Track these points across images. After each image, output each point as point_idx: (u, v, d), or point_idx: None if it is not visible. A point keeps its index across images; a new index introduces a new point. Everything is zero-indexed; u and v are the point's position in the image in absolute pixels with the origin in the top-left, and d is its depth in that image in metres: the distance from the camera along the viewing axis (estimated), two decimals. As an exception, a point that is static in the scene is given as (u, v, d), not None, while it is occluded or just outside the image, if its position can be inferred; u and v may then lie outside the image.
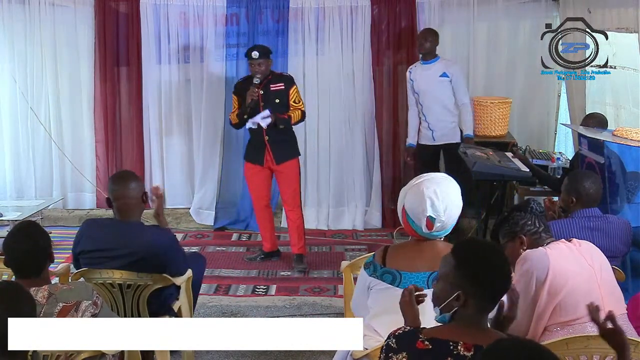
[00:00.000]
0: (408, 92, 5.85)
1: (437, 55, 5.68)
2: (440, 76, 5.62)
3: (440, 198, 2.56)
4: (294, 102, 5.23)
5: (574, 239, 2.87)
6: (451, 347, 2.01)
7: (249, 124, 5.18)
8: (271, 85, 5.20)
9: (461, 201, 2.65)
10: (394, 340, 2.07)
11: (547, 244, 2.82)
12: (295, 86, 5.27)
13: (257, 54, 5.12)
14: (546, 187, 5.12)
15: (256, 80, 5.10)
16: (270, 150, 5.20)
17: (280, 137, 5.19)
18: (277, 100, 5.18)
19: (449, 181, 2.66)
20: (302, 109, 5.27)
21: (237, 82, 5.48)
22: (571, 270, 2.71)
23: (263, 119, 5.08)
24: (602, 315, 2.67)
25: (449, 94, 5.66)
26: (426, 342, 2.02)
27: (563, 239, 2.87)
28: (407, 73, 5.80)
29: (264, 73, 5.14)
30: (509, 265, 2.11)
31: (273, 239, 5.59)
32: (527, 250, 2.80)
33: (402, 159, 6.32)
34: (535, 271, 2.70)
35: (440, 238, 2.68)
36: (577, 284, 2.69)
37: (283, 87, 5.21)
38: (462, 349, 2.01)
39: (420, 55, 5.74)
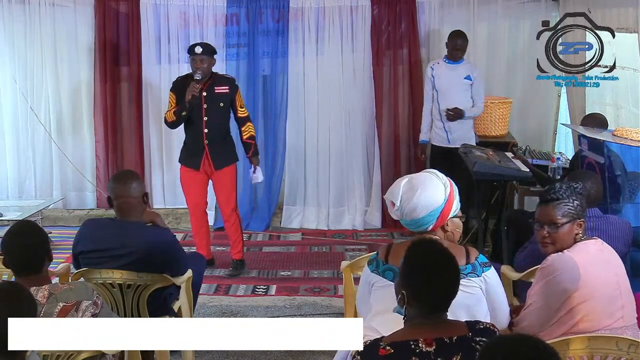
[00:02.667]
0: (426, 88, 5.80)
1: (463, 57, 5.69)
2: (465, 78, 5.62)
3: (406, 189, 2.61)
4: (240, 107, 5.12)
5: (597, 238, 2.82)
6: (412, 346, 2.02)
7: (254, 180, 5.41)
8: (216, 87, 5.04)
9: (437, 202, 2.60)
10: (358, 357, 2.07)
11: (581, 241, 2.76)
12: (239, 90, 5.16)
13: (200, 49, 4.95)
14: (546, 188, 5.11)
15: (197, 77, 4.93)
16: (209, 155, 5.08)
17: (220, 143, 5.09)
18: (222, 104, 5.05)
19: (432, 181, 2.64)
20: (247, 115, 5.21)
21: (176, 79, 5.25)
22: (599, 281, 2.65)
23: (255, 174, 5.30)
24: (621, 323, 2.62)
25: (469, 97, 5.67)
26: (387, 348, 2.03)
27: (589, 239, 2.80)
28: (429, 69, 5.75)
29: (205, 71, 4.96)
30: (454, 275, 2.08)
31: (208, 247, 5.44)
32: (554, 257, 2.71)
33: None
34: (566, 284, 2.63)
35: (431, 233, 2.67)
36: (603, 295, 2.64)
37: (228, 90, 5.06)
38: (423, 346, 2.02)
39: (446, 55, 5.71)
